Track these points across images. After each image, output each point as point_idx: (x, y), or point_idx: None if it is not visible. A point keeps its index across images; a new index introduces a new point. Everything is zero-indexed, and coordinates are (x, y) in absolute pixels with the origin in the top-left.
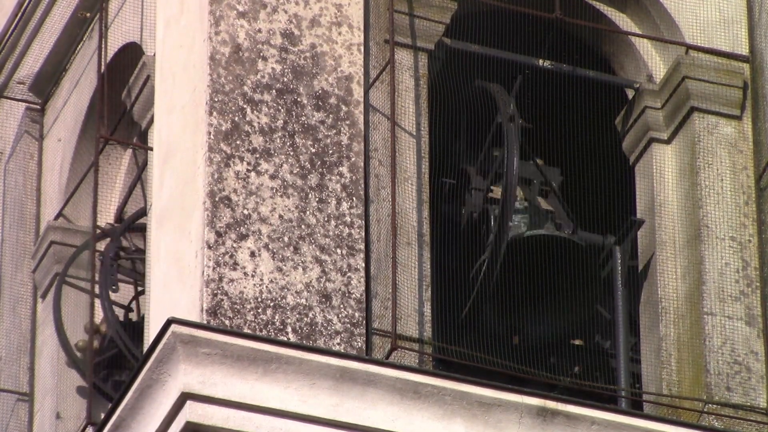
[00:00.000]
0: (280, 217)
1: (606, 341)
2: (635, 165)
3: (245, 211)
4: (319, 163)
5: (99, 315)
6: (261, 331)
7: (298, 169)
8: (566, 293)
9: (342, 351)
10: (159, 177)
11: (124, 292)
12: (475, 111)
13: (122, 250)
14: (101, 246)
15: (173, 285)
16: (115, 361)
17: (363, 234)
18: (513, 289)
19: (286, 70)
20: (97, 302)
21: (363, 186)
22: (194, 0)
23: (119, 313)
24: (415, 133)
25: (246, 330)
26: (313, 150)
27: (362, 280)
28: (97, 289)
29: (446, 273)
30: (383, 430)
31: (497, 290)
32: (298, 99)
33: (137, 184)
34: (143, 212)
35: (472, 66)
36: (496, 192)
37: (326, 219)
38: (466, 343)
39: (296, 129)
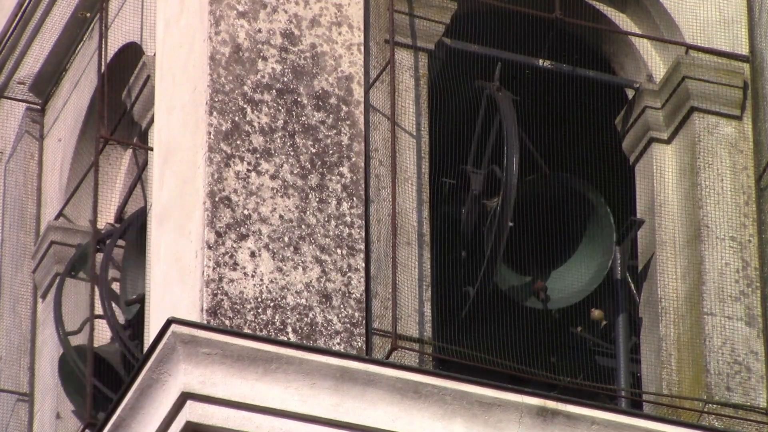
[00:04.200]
0: (281, 217)
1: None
2: (635, 165)
3: (245, 212)
4: (319, 163)
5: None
6: (261, 331)
7: (298, 170)
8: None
9: (342, 351)
10: (159, 177)
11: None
12: (474, 110)
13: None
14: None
15: (173, 285)
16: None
17: (363, 234)
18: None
19: (286, 70)
20: (97, 302)
21: (363, 186)
22: (194, 0)
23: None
24: (415, 133)
25: (246, 330)
26: (314, 150)
27: (362, 280)
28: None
29: (446, 273)
30: (383, 430)
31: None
32: (299, 99)
33: (137, 184)
34: (143, 212)
35: (472, 66)
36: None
37: (326, 219)
38: (466, 343)
39: (296, 129)
